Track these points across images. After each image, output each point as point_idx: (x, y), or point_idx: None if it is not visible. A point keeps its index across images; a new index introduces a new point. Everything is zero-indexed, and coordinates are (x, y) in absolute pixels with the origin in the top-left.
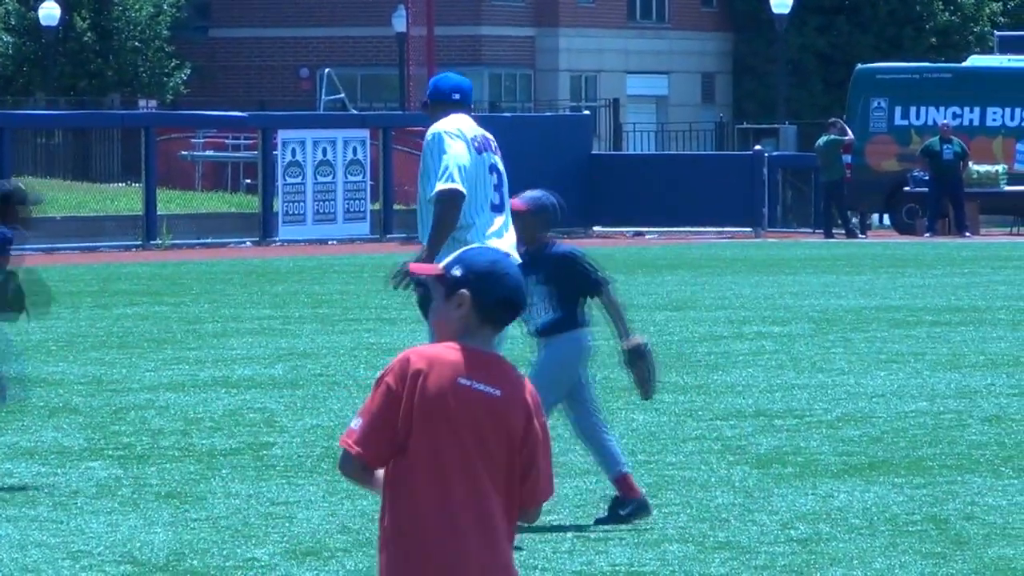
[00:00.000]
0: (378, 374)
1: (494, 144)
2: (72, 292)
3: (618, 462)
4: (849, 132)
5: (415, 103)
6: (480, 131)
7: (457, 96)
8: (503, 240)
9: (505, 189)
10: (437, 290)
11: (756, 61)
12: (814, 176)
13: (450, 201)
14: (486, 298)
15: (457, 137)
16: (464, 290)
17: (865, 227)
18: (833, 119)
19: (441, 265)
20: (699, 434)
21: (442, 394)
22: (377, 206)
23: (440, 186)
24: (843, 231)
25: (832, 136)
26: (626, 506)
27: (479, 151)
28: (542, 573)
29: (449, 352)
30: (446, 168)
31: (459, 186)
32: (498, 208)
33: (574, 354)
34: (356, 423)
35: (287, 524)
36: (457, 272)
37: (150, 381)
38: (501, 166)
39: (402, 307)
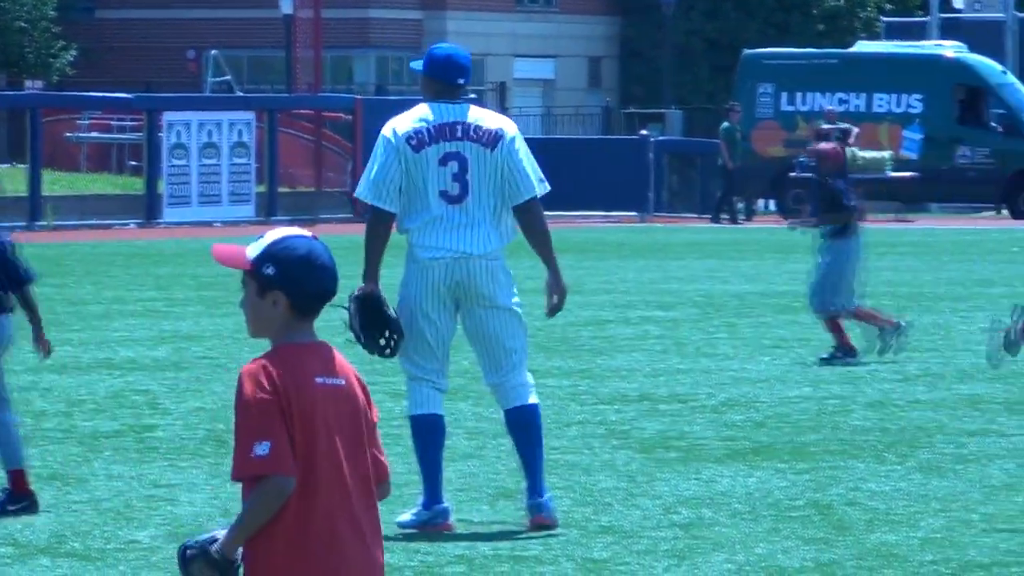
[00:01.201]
0: (238, 399)
1: (463, 130)
2: None
3: (20, 457)
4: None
5: (301, 85)
6: (433, 118)
7: (460, 80)
8: (452, 235)
9: (472, 174)
10: (249, 284)
11: (643, 46)
12: (700, 161)
13: (372, 216)
14: (302, 295)
15: (387, 142)
16: (279, 290)
17: (751, 213)
18: (732, 103)
19: (250, 256)
20: (583, 418)
21: (311, 399)
22: (262, 188)
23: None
24: (730, 216)
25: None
26: (16, 502)
27: (428, 143)
28: (424, 557)
29: (293, 355)
30: (364, 179)
31: (373, 200)
32: (456, 198)
33: None
34: (258, 449)
35: (169, 506)
36: (270, 271)
37: (32, 363)
38: (471, 151)
39: None
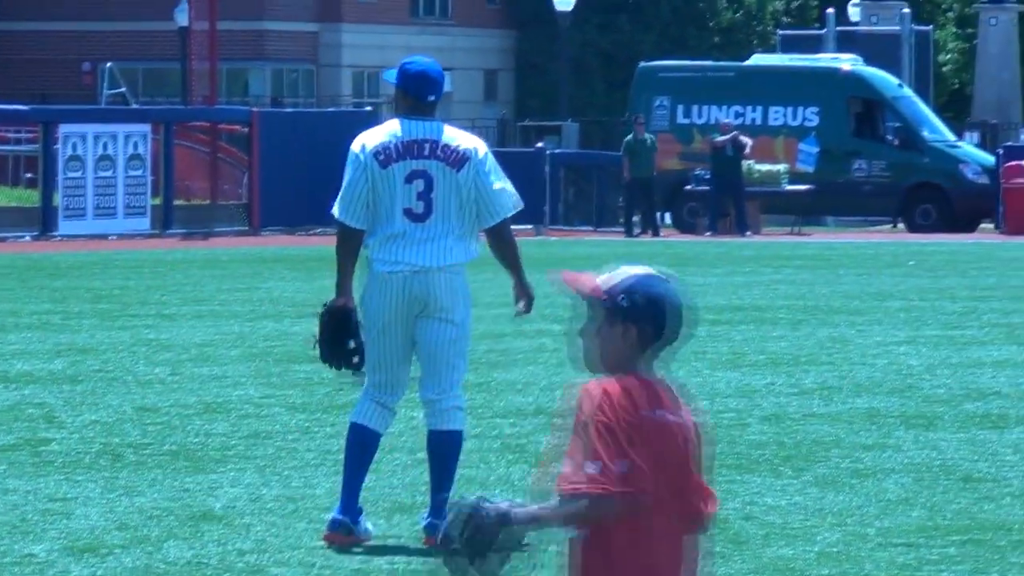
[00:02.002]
0: (586, 415)
1: (431, 148)
2: None
3: None
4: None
5: (197, 98)
6: (403, 134)
7: (430, 97)
8: (412, 249)
9: (438, 194)
10: (596, 313)
11: (539, 58)
12: (596, 174)
13: (339, 232)
14: (652, 331)
15: (355, 158)
16: (630, 322)
17: (644, 227)
18: (636, 116)
19: (603, 286)
20: (479, 432)
21: (655, 430)
22: (158, 201)
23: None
24: (648, 230)
25: (638, 136)
26: None
27: (395, 159)
28: (320, 571)
29: (640, 386)
30: (339, 196)
31: (340, 216)
32: (420, 216)
33: None
34: (619, 467)
35: (65, 520)
36: (625, 303)
37: None
38: (437, 170)
39: (182, 303)
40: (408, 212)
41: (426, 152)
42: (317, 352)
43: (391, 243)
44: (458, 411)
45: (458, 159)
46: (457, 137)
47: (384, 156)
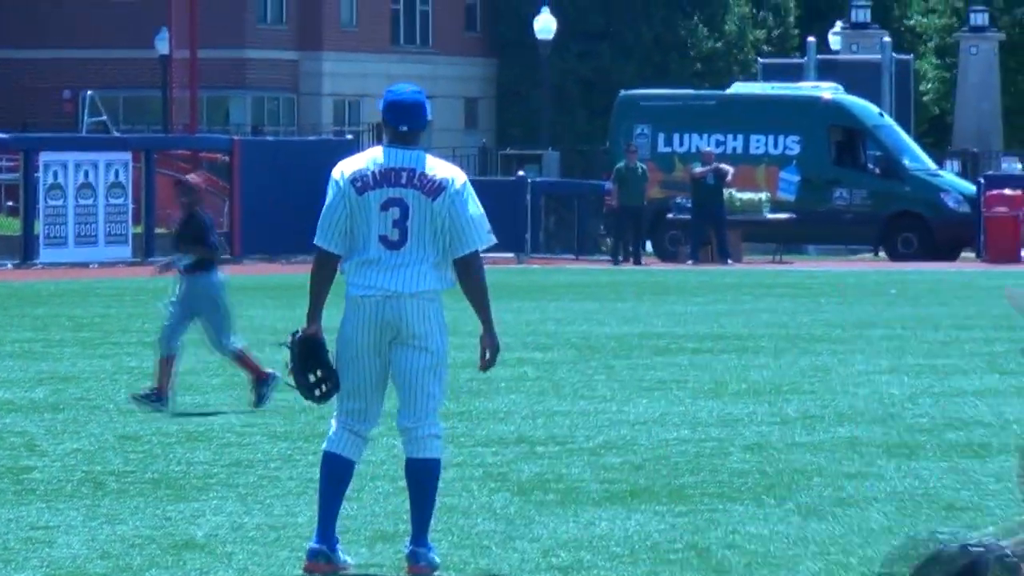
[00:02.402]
0: None
1: (408, 177)
2: None
3: None
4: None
5: (178, 126)
6: (383, 161)
7: (402, 127)
8: (385, 275)
9: (413, 222)
10: None
11: (520, 86)
12: (578, 202)
13: (316, 257)
14: None
15: (334, 184)
16: None
17: (628, 254)
18: (629, 143)
19: None
20: (461, 460)
21: None
22: (139, 229)
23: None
24: (631, 258)
25: (628, 164)
26: None
27: (371, 187)
28: None
29: None
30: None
31: (317, 240)
32: (395, 244)
33: None
34: None
35: (47, 548)
36: None
37: None
38: (412, 199)
39: None
40: (383, 239)
41: (403, 180)
42: (292, 380)
43: (365, 268)
44: (435, 439)
45: (434, 188)
46: (436, 167)
47: (361, 183)
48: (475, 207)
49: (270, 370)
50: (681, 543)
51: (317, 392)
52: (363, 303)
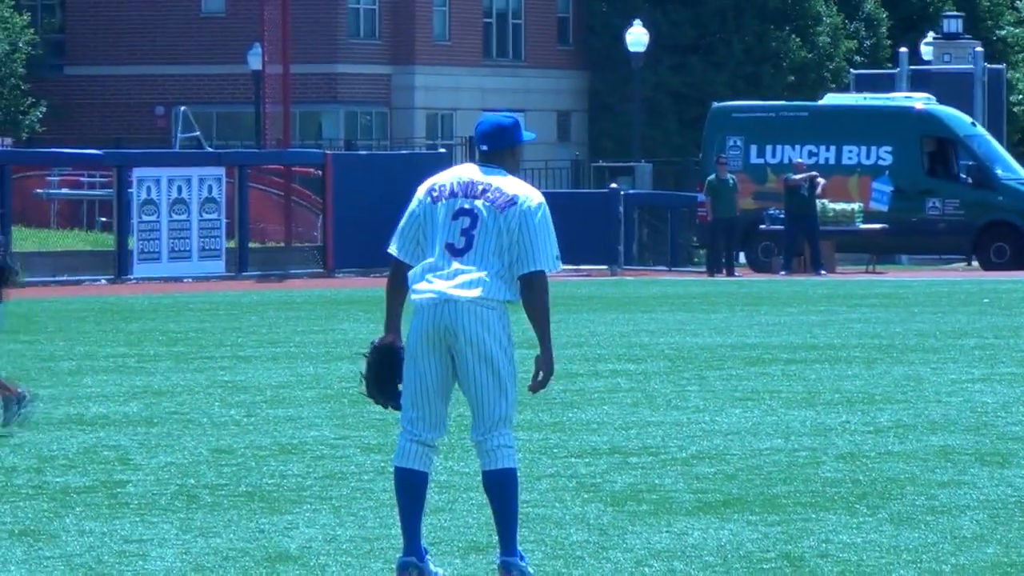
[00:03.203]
0: None
1: (483, 190)
2: None
3: None
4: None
5: (271, 141)
6: (465, 176)
7: (482, 146)
8: (445, 280)
9: (480, 232)
10: None
11: (611, 99)
12: (670, 214)
13: (391, 266)
14: None
15: (416, 196)
16: None
17: (721, 265)
18: (720, 156)
19: None
20: (554, 472)
21: None
22: (232, 244)
23: None
24: (724, 269)
25: (720, 176)
26: None
27: (446, 197)
28: None
29: None
30: None
31: (391, 248)
32: (459, 251)
33: None
34: None
35: (140, 562)
36: None
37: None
38: (482, 210)
39: (257, 345)
40: (450, 247)
41: (477, 192)
42: (364, 389)
43: (428, 273)
44: (506, 448)
45: (505, 202)
46: (513, 184)
47: (437, 194)
48: (546, 230)
49: (22, 389)
50: (774, 552)
51: (391, 403)
52: (422, 308)
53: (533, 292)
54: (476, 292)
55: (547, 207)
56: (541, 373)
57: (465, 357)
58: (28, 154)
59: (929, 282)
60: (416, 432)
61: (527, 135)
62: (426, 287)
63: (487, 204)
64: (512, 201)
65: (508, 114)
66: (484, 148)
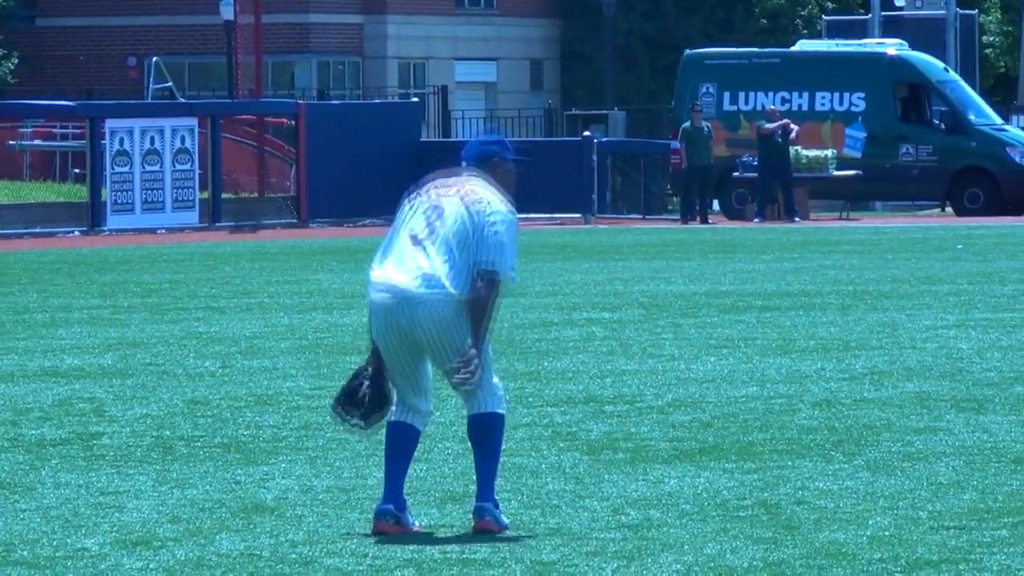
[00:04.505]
0: None
1: (456, 189)
2: None
3: None
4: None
5: (243, 91)
6: (441, 182)
7: (462, 163)
8: (401, 269)
9: (438, 224)
10: None
11: (584, 47)
12: (644, 162)
13: None
14: None
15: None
16: None
17: (695, 213)
18: (694, 103)
19: None
20: (530, 421)
21: None
22: (206, 195)
23: None
24: (697, 216)
25: (694, 124)
26: None
27: (421, 194)
28: (373, 560)
29: None
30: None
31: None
32: (420, 241)
33: None
34: None
35: (117, 514)
36: None
37: None
38: (450, 204)
39: (231, 296)
40: (412, 236)
41: (451, 193)
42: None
43: (385, 258)
44: (492, 396)
45: (474, 200)
46: (485, 190)
47: (415, 193)
48: (511, 239)
49: None
50: (750, 500)
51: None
52: (378, 308)
53: (483, 291)
54: (429, 288)
55: (516, 221)
56: (465, 362)
57: (432, 354)
58: (0, 106)
59: (903, 228)
60: (405, 398)
61: (502, 153)
62: (380, 276)
63: (458, 198)
64: (481, 200)
65: (494, 137)
66: (464, 164)
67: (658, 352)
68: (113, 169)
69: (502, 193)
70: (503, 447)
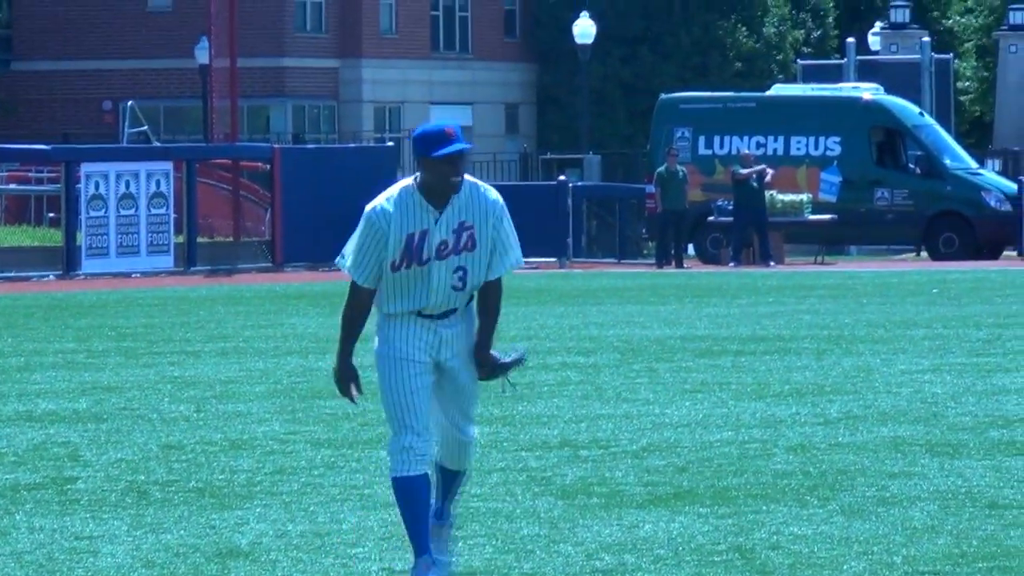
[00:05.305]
0: None
1: None
2: None
3: None
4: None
5: (218, 135)
6: None
7: None
8: None
9: None
10: None
11: (559, 91)
12: (619, 206)
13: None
14: None
15: None
16: None
17: (670, 257)
18: (670, 147)
19: None
20: (504, 465)
21: None
22: (181, 239)
23: None
24: (673, 261)
25: (671, 167)
26: None
27: None
28: None
29: None
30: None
31: None
32: None
33: None
34: None
35: (91, 558)
36: None
37: None
38: None
39: (206, 340)
40: None
41: None
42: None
43: None
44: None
45: None
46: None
47: None
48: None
49: None
50: (725, 544)
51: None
52: None
53: None
54: None
55: (365, 218)
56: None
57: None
58: None
59: (878, 272)
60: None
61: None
62: None
63: None
64: None
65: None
66: None
67: (633, 396)
68: (88, 213)
69: (431, 192)
70: (477, 492)
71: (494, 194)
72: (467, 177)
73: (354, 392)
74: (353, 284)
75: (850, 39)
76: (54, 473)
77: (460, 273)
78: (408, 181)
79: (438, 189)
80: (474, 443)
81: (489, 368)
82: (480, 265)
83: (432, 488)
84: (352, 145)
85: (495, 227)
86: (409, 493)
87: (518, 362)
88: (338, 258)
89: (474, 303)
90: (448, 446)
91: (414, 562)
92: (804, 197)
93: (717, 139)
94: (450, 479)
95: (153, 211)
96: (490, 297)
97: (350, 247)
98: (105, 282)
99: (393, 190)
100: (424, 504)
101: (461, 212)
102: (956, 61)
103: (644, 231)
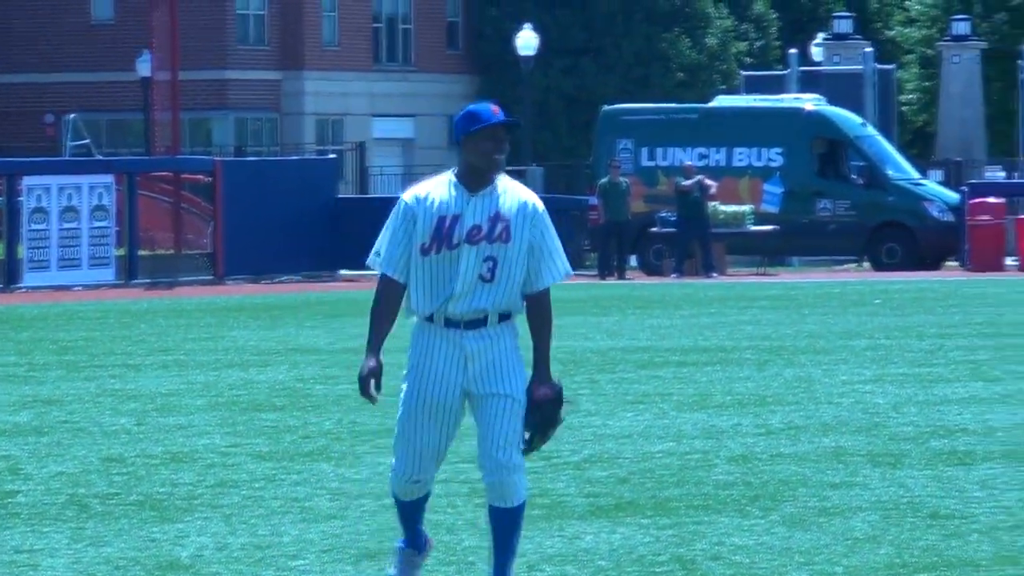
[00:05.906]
0: None
1: None
2: None
3: None
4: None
5: (160, 148)
6: None
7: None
8: None
9: None
10: None
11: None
12: (562, 217)
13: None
14: None
15: None
16: None
17: (613, 268)
18: (612, 160)
19: None
20: (446, 477)
21: None
22: (122, 251)
23: None
24: (615, 272)
25: (612, 179)
26: None
27: None
28: None
29: None
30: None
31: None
32: None
33: None
34: None
35: (31, 572)
36: None
37: None
38: None
39: (147, 353)
40: None
41: None
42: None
43: None
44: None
45: None
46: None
47: None
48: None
49: None
50: (666, 555)
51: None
52: None
53: None
54: None
55: (398, 206)
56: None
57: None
58: None
59: (820, 283)
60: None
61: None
62: None
63: None
64: None
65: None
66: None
67: (574, 408)
68: (30, 226)
69: (470, 173)
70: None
71: (536, 199)
72: (511, 180)
73: (373, 392)
74: (382, 278)
75: (792, 50)
76: None
77: (489, 264)
78: (448, 172)
79: (479, 167)
80: (520, 472)
81: (552, 391)
82: (512, 262)
83: (489, 556)
84: (294, 157)
85: (537, 231)
86: (411, 505)
87: (570, 402)
88: (371, 255)
89: (508, 323)
90: (490, 473)
91: (398, 548)
92: (746, 208)
93: (660, 150)
94: (504, 527)
95: (95, 224)
96: (541, 311)
97: (381, 239)
98: (46, 295)
99: (431, 179)
100: (422, 509)
101: (498, 203)
102: (899, 72)
103: (587, 242)
